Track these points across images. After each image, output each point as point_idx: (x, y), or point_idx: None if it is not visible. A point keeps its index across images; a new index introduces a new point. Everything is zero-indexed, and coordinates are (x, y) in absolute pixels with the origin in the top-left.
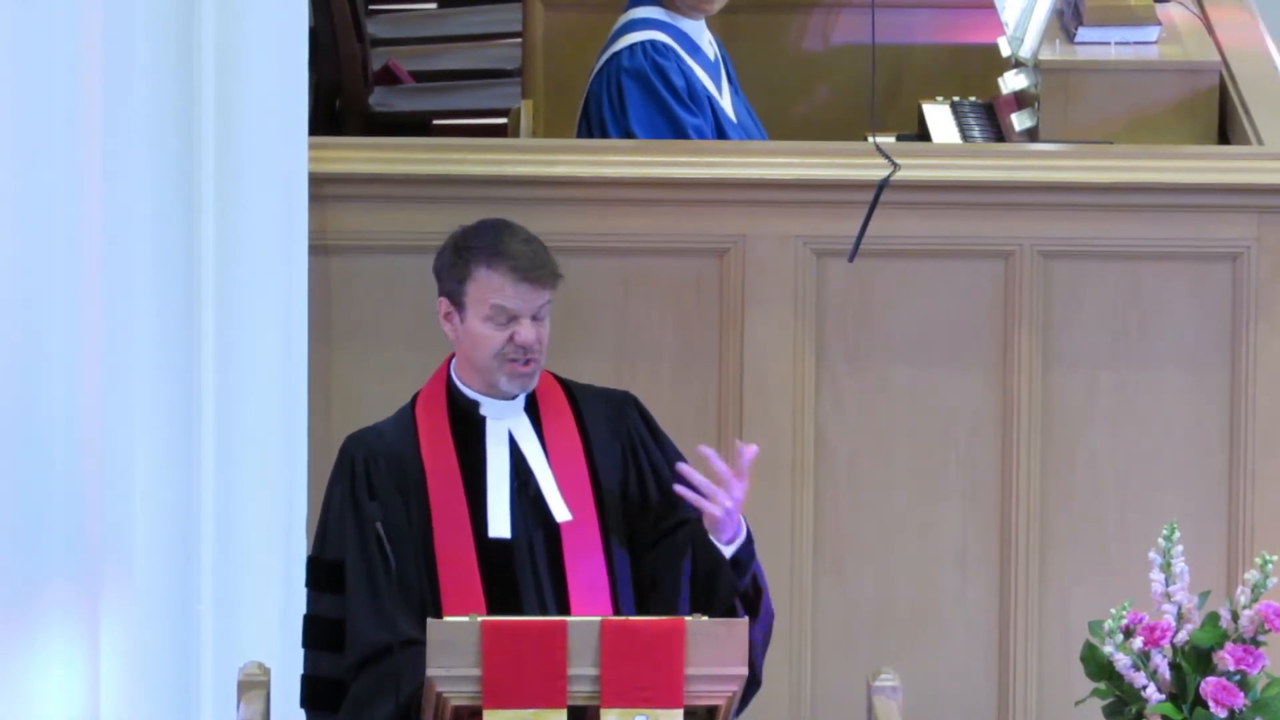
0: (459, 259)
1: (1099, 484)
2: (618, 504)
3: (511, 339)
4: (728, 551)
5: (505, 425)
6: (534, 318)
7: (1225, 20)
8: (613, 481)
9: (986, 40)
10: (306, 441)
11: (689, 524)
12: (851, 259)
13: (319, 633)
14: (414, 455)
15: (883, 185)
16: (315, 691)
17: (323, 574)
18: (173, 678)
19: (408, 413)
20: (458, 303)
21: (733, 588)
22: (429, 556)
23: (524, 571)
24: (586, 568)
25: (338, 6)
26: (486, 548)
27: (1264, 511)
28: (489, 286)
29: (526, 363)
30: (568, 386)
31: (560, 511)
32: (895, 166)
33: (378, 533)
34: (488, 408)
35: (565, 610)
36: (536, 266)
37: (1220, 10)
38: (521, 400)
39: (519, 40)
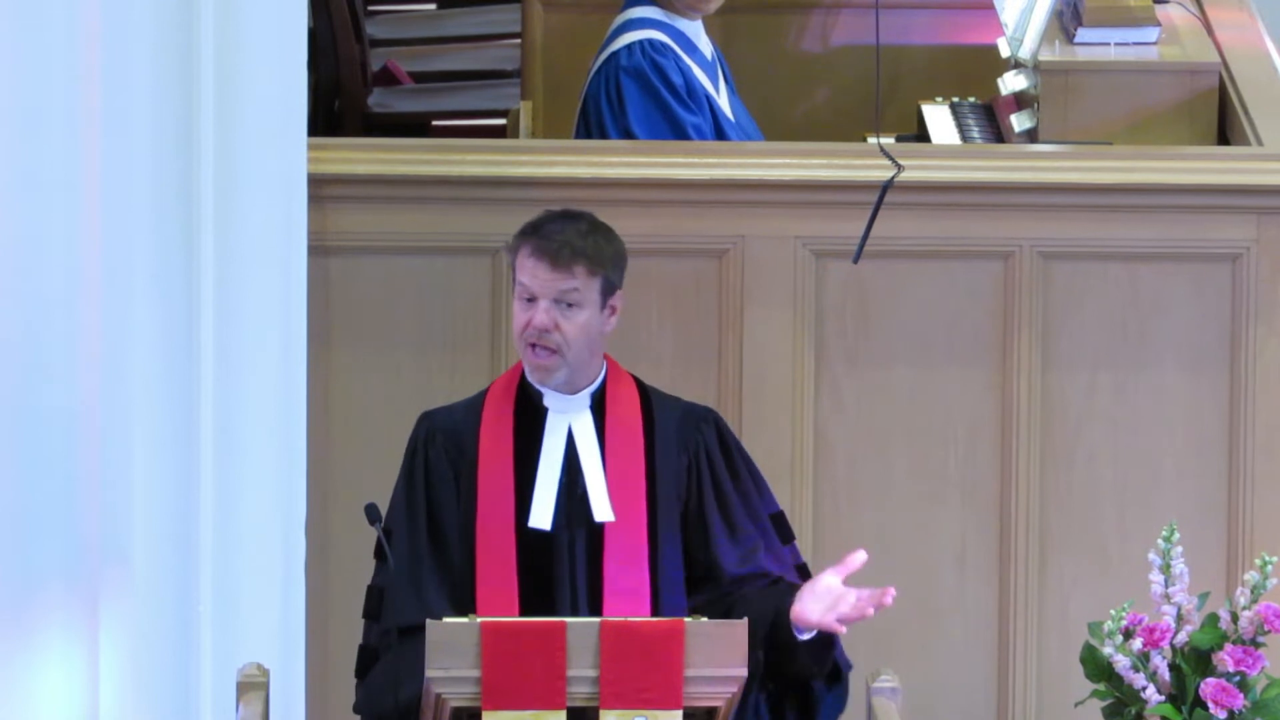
0: (515, 236)
1: (1099, 484)
2: (675, 514)
3: (530, 321)
4: (803, 636)
5: (566, 420)
6: (557, 302)
7: (1225, 21)
8: (671, 491)
9: (986, 41)
10: (306, 441)
11: (776, 585)
12: (856, 260)
13: (370, 602)
14: (473, 436)
15: (887, 186)
16: (363, 661)
17: (380, 544)
18: (172, 678)
19: (481, 395)
20: (512, 284)
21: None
22: (471, 538)
23: (561, 567)
24: (627, 572)
25: (337, 7)
26: (525, 537)
27: (1264, 512)
28: (519, 263)
29: (542, 349)
30: (646, 393)
31: (602, 511)
32: (899, 168)
33: (379, 535)
34: (551, 400)
35: (598, 612)
36: (558, 247)
37: (1220, 11)
38: (588, 398)
39: (518, 41)
